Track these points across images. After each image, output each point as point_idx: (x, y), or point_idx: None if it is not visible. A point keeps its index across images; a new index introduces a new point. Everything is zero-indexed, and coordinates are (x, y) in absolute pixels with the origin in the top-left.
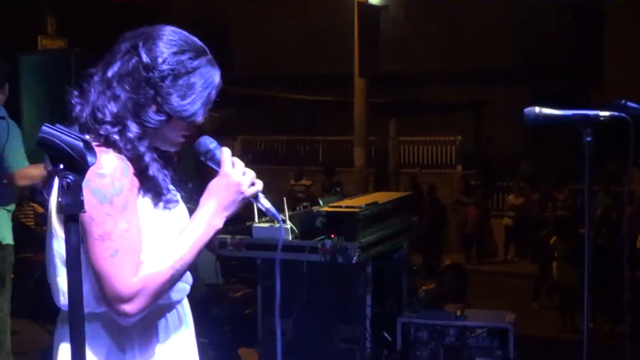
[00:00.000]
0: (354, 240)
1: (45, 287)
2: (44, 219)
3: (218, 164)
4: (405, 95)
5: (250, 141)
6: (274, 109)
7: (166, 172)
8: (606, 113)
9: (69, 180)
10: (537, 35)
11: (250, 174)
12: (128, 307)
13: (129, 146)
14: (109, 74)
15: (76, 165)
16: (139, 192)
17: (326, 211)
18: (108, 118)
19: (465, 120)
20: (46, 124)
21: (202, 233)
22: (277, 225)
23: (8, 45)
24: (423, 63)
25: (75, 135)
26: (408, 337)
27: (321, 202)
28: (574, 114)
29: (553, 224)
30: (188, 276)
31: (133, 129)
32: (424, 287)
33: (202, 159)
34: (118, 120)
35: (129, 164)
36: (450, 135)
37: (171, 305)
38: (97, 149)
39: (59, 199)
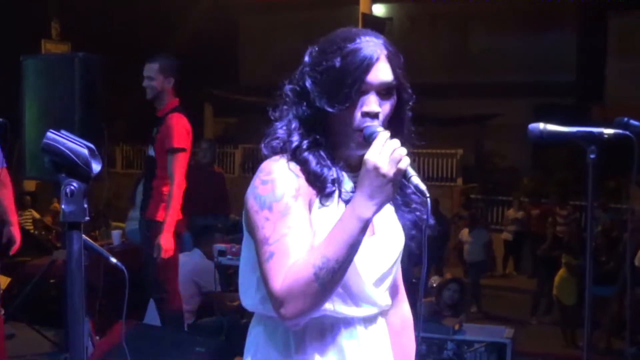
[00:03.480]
0: None
1: (44, 291)
2: (41, 224)
3: None
4: None
5: (251, 150)
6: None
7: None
8: (610, 131)
9: (72, 188)
10: (542, 49)
11: (388, 149)
12: (282, 310)
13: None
14: None
15: (80, 172)
16: (318, 196)
17: None
18: None
19: (468, 134)
20: (51, 130)
21: (347, 227)
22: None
23: (12, 48)
24: (426, 75)
25: (80, 142)
26: None
27: None
28: (578, 131)
29: (553, 240)
30: (379, 297)
31: None
32: (422, 300)
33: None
34: None
35: (296, 171)
36: (451, 149)
37: (340, 321)
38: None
39: (62, 206)
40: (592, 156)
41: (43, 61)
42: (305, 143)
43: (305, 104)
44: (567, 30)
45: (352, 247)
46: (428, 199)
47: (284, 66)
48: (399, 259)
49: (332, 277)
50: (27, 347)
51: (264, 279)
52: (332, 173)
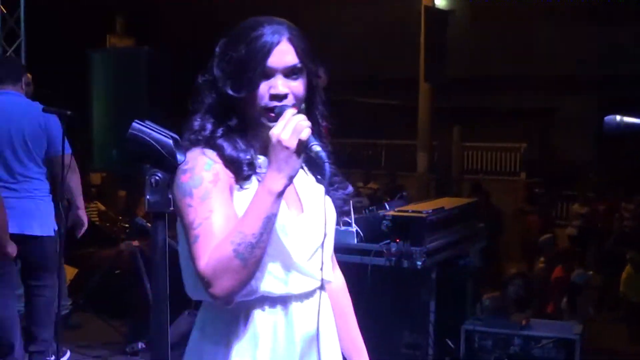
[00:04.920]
0: (419, 245)
1: (110, 282)
2: (107, 215)
3: None
4: (470, 101)
5: None
6: (338, 111)
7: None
8: None
9: (157, 178)
10: (607, 42)
11: (292, 124)
12: (211, 290)
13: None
14: None
15: (165, 162)
16: (237, 182)
17: (392, 215)
18: None
19: (531, 127)
20: (137, 121)
21: (260, 201)
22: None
23: (77, 42)
24: (489, 68)
25: (165, 132)
26: (472, 345)
27: (387, 206)
28: None
29: (620, 235)
30: (314, 272)
31: None
32: (487, 295)
33: None
34: None
35: (213, 157)
36: (514, 142)
37: (276, 300)
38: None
39: (147, 197)
40: None
41: (110, 55)
42: (219, 131)
43: (215, 93)
44: (635, 23)
45: (268, 220)
46: (326, 164)
47: (343, 59)
48: (332, 234)
49: (252, 251)
50: (95, 337)
51: (192, 261)
52: (248, 156)
